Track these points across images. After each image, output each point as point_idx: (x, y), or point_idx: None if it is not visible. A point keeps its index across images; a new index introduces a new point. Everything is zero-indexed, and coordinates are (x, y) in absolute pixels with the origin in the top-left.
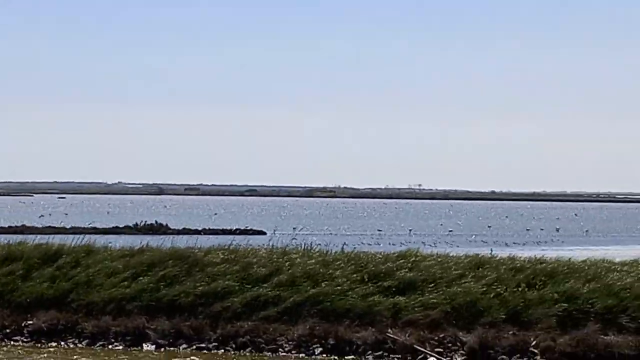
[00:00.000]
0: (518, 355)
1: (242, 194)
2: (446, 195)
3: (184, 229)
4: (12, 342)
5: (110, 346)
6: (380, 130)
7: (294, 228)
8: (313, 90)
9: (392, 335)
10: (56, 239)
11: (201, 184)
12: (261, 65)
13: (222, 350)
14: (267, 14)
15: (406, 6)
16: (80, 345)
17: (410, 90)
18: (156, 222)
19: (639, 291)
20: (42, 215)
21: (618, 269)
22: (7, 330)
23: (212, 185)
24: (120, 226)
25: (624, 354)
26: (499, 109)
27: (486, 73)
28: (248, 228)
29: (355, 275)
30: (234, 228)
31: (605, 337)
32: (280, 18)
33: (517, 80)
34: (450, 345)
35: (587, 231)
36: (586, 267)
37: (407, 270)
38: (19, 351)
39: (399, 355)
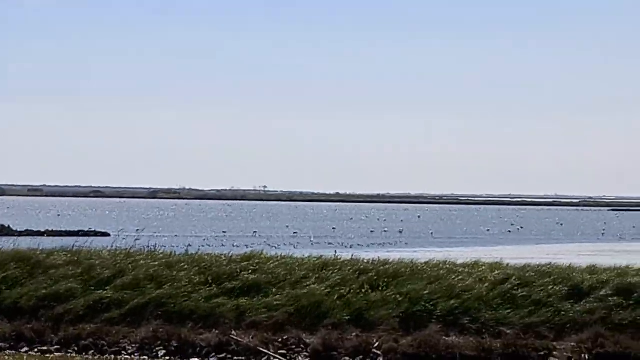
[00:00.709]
0: (361, 356)
1: (86, 195)
2: (291, 197)
3: (26, 230)
4: None
5: None
6: (226, 131)
7: (137, 230)
8: (157, 89)
9: (235, 337)
10: None
11: (45, 185)
12: (102, 63)
13: (65, 353)
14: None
15: None
16: None
17: (256, 89)
18: None
19: (480, 293)
20: None
21: (460, 270)
22: None
23: (56, 186)
24: None
25: (465, 355)
26: (344, 110)
27: (326, 74)
28: (92, 230)
29: (199, 277)
30: (78, 230)
31: (447, 338)
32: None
33: (359, 82)
34: (294, 347)
35: (432, 233)
36: (428, 269)
37: (251, 272)
38: None
39: (243, 357)
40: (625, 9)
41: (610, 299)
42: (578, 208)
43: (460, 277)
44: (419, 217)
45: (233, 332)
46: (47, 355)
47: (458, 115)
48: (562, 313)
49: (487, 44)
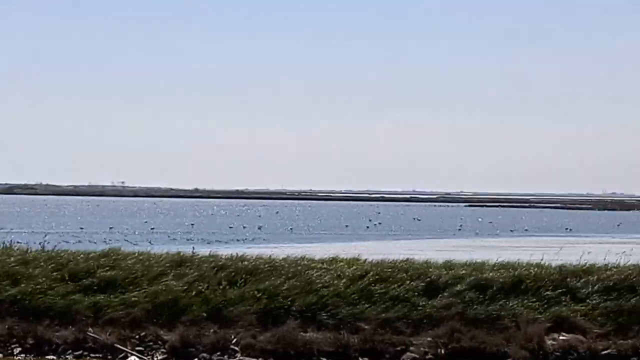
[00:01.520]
0: (219, 352)
1: None
2: (149, 193)
3: None
4: None
5: None
6: (82, 124)
7: None
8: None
9: (92, 334)
10: None
11: None
12: None
13: None
14: None
15: None
16: None
17: (107, 83)
18: None
19: (338, 288)
20: None
21: (318, 266)
22: None
23: None
24: None
25: (323, 350)
26: (204, 104)
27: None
28: None
29: (55, 273)
30: None
31: (305, 334)
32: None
33: (216, 76)
34: (151, 343)
35: (291, 229)
36: (287, 265)
37: (108, 268)
38: None
39: (100, 355)
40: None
41: (466, 294)
42: (435, 204)
43: (318, 273)
44: (277, 212)
45: (90, 329)
46: None
47: (324, 113)
48: (419, 308)
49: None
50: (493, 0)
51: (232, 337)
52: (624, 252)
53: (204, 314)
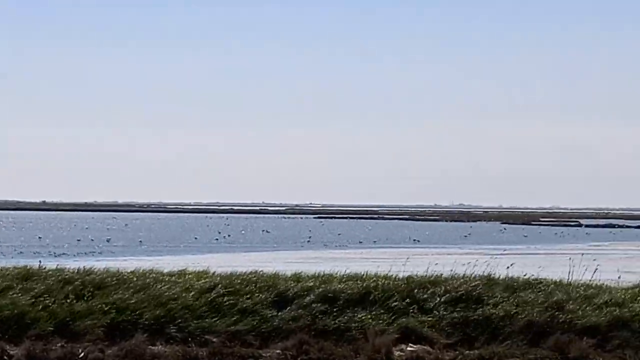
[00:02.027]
0: None
1: None
2: None
3: None
4: None
5: None
6: None
7: None
8: None
9: None
10: None
11: None
12: None
13: None
14: None
15: None
16: None
17: None
18: None
19: (186, 301)
20: None
21: (167, 279)
22: None
23: None
24: None
25: None
26: (48, 116)
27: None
28: None
29: None
30: None
31: (153, 347)
32: None
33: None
34: None
35: (141, 241)
36: (135, 278)
37: None
38: None
39: None
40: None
41: (314, 305)
42: (284, 216)
43: (167, 286)
44: (126, 225)
45: None
46: None
47: (169, 125)
48: (268, 320)
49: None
50: None
51: (80, 351)
52: (470, 262)
53: (51, 328)
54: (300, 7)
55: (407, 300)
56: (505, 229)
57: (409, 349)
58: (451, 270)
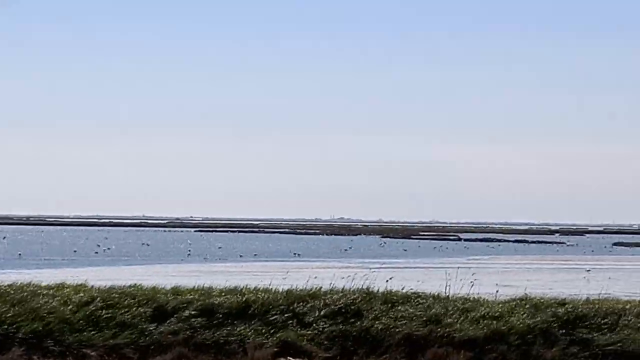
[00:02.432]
0: None
1: None
2: None
3: None
4: None
5: None
6: None
7: None
8: None
9: None
10: None
11: None
12: None
13: None
14: None
15: None
16: None
17: None
18: None
19: (64, 315)
20: None
21: (45, 292)
22: None
23: None
24: None
25: None
26: None
27: None
28: None
29: None
30: None
31: None
32: None
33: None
34: None
35: (20, 254)
36: (12, 291)
37: None
38: None
39: None
40: None
41: (193, 319)
42: (165, 229)
43: (45, 300)
44: (4, 238)
45: None
46: None
47: (54, 137)
48: (147, 334)
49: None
50: None
51: None
52: (349, 276)
53: None
54: None
55: (287, 313)
56: (385, 242)
57: None
58: (331, 284)
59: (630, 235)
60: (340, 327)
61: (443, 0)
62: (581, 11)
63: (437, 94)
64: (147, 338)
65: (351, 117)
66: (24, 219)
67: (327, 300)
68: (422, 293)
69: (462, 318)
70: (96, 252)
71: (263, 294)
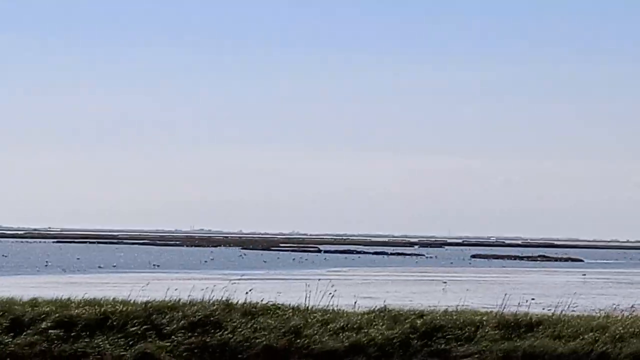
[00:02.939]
0: None
1: None
2: None
3: None
4: None
5: None
6: None
7: None
8: None
9: None
10: None
11: None
12: None
13: None
14: None
15: None
16: None
17: None
18: None
19: None
20: None
21: None
22: None
23: None
24: None
25: None
26: None
27: None
28: None
29: None
30: None
31: None
32: None
33: None
34: None
35: None
36: None
37: None
38: None
39: None
40: None
41: (51, 331)
42: (22, 240)
43: None
44: None
45: None
46: None
47: None
48: (2, 346)
49: None
50: None
51: None
52: (209, 287)
53: None
54: None
55: (146, 325)
56: (245, 254)
57: None
58: (190, 295)
59: (489, 248)
60: (200, 338)
61: None
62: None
63: (298, 104)
64: (3, 350)
65: (211, 127)
66: None
67: (186, 312)
68: (282, 305)
69: (321, 330)
70: None
71: (122, 306)
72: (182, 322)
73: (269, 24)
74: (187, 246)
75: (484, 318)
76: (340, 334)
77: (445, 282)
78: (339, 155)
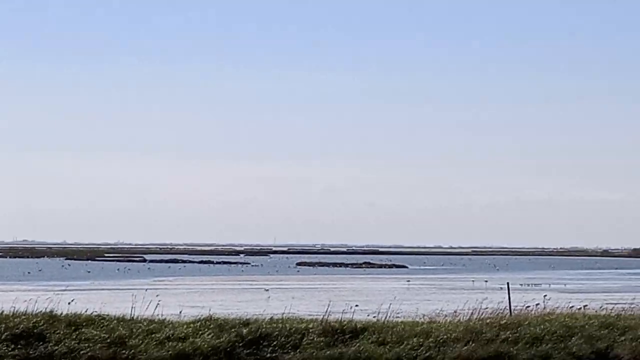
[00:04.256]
0: None
1: None
2: None
3: None
4: None
5: None
6: None
7: None
8: None
9: None
10: None
11: None
12: None
13: None
14: None
15: None
16: None
17: None
18: None
19: None
20: None
21: None
22: None
23: None
24: None
25: None
26: None
27: None
28: None
29: None
30: None
31: None
32: None
33: None
34: None
35: None
36: None
37: None
38: None
39: None
40: None
41: None
42: None
43: None
44: None
45: None
46: None
47: None
48: None
49: None
50: None
51: None
52: (32, 299)
53: None
54: None
55: None
56: (69, 264)
57: None
58: (12, 307)
59: (314, 255)
60: (23, 350)
61: None
62: None
63: (118, 112)
64: None
65: (32, 135)
66: None
67: (9, 324)
68: (107, 315)
69: (147, 340)
70: None
71: None
72: (5, 334)
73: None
74: (10, 257)
75: (309, 325)
76: (166, 344)
77: (267, 290)
78: (164, 163)
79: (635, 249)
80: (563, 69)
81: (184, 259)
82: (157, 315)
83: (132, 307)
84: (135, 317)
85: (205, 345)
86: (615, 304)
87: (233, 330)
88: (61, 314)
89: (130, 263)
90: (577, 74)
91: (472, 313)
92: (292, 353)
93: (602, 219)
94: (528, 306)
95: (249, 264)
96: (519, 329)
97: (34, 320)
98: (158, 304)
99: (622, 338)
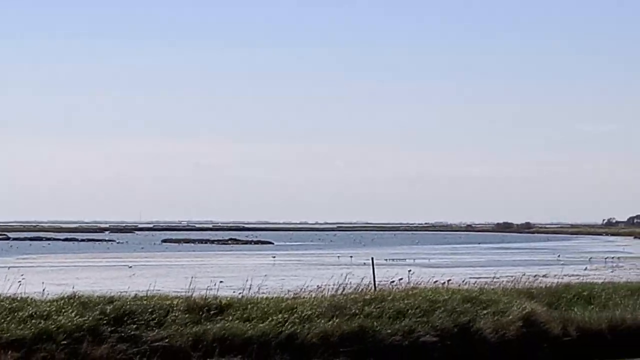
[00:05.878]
0: None
1: None
2: None
3: None
4: None
5: None
6: None
7: None
8: None
9: None
10: None
11: None
12: None
13: None
14: None
15: None
16: None
17: None
18: None
19: None
20: None
21: None
22: None
23: None
24: None
25: None
26: None
27: None
28: None
29: None
30: None
31: None
32: None
33: None
34: None
35: None
36: None
37: None
38: None
39: None
40: None
41: None
42: None
43: None
44: None
45: None
46: None
47: None
48: None
49: None
50: None
51: None
52: None
53: None
54: None
55: None
56: None
57: None
58: None
59: (180, 232)
60: None
61: None
62: None
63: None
64: None
65: None
66: None
67: None
68: None
69: (9, 318)
70: None
71: None
72: None
73: None
74: None
75: (173, 302)
76: (28, 322)
77: (130, 267)
78: (24, 140)
79: (498, 224)
80: None
81: (48, 236)
82: (20, 293)
83: None
84: None
85: (69, 323)
86: (478, 278)
87: (97, 307)
88: None
89: None
90: None
91: (337, 289)
92: (156, 330)
93: (466, 194)
94: (392, 281)
95: (114, 241)
96: (383, 303)
97: None
98: (20, 282)
99: (485, 312)
